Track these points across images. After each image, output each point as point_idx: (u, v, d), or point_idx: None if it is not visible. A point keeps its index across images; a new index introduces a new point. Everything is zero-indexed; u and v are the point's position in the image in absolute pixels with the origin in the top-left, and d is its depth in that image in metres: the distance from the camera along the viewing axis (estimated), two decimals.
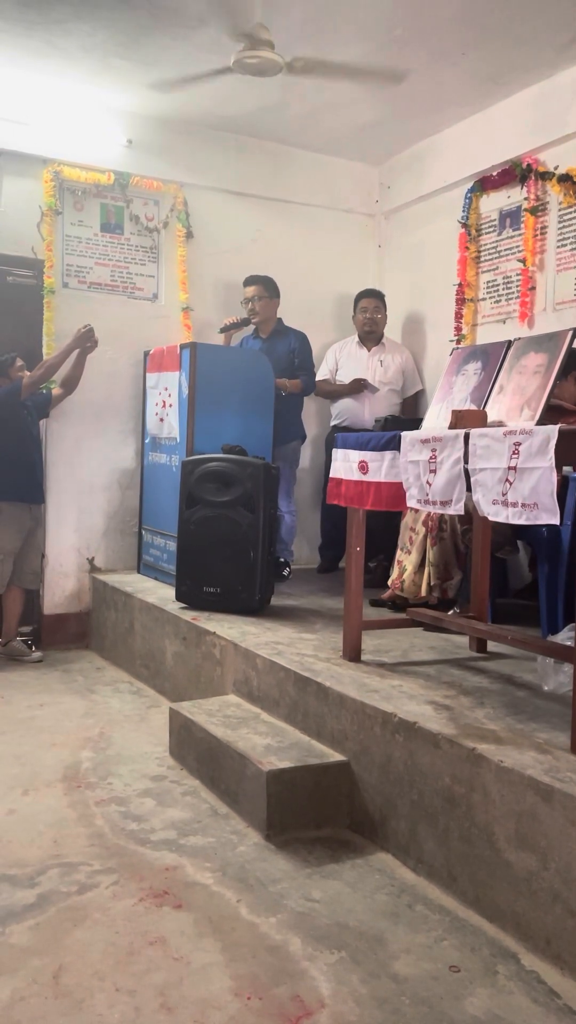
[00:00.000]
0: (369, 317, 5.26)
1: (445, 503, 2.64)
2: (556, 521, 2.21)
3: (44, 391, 4.81)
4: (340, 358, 5.36)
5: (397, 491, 2.88)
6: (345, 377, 5.29)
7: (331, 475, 3.23)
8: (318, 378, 5.36)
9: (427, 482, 2.70)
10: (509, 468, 2.34)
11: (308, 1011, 1.85)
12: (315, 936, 2.13)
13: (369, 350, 5.31)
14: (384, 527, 4.15)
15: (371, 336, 5.31)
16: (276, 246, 5.55)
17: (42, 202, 4.94)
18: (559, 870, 2.01)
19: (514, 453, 2.32)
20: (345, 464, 3.15)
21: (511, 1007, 1.88)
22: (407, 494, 2.82)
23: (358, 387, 5.20)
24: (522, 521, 2.30)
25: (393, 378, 5.28)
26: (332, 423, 5.38)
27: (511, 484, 2.33)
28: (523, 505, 2.29)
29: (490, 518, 2.46)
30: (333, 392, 5.34)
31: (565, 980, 1.97)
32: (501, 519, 2.39)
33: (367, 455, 3.01)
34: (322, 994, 1.91)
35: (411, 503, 2.81)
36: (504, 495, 2.35)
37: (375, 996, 1.91)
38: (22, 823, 2.75)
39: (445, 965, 2.03)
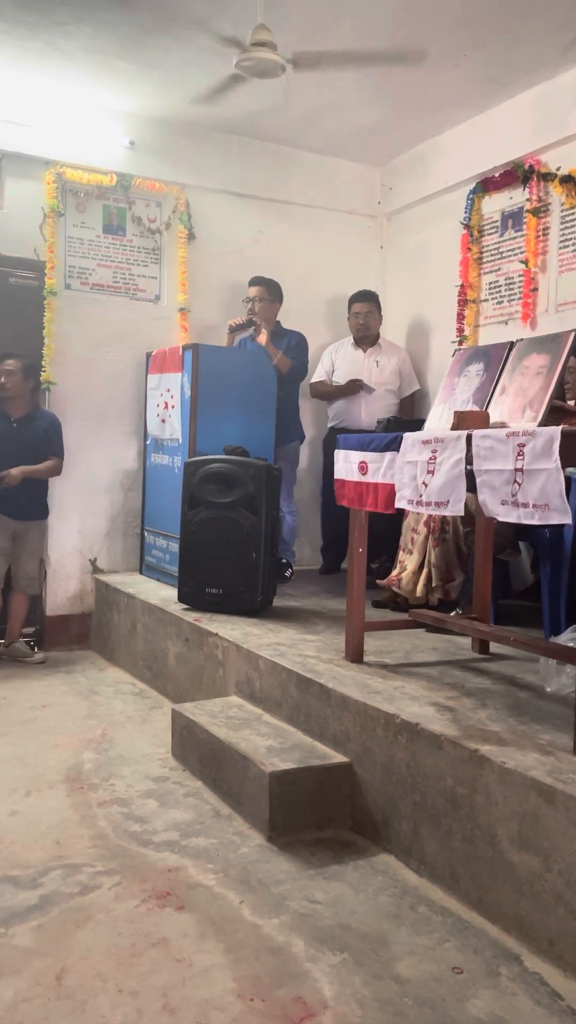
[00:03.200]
0: (362, 322, 5.26)
1: (441, 504, 2.62)
2: (568, 520, 2.21)
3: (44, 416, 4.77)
4: (336, 359, 5.35)
5: (394, 492, 2.88)
6: (341, 378, 5.28)
7: (335, 476, 3.23)
8: (315, 379, 5.36)
9: (423, 483, 2.69)
10: (516, 470, 2.34)
11: (311, 1013, 1.85)
12: (318, 938, 2.13)
13: (365, 351, 5.30)
14: (386, 528, 4.16)
15: (365, 338, 5.31)
16: (278, 247, 5.55)
17: (44, 204, 4.95)
18: (562, 872, 2.01)
19: (519, 455, 2.32)
20: (346, 465, 3.15)
21: (514, 1009, 1.88)
22: (398, 495, 2.80)
23: (354, 388, 5.19)
24: (535, 521, 2.30)
25: (389, 379, 5.26)
26: (329, 424, 5.38)
27: (520, 485, 2.32)
28: (534, 506, 2.29)
29: (499, 518, 2.45)
30: (329, 393, 5.34)
31: (568, 982, 1.97)
32: (512, 519, 2.39)
33: (367, 456, 3.01)
34: (325, 996, 1.91)
35: (401, 503, 2.79)
36: (514, 496, 2.35)
37: (378, 998, 1.90)
38: (25, 824, 2.75)
39: (448, 967, 2.03)
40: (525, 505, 2.31)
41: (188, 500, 4.10)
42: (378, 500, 2.95)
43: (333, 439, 5.22)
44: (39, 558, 4.84)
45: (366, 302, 5.28)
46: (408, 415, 5.29)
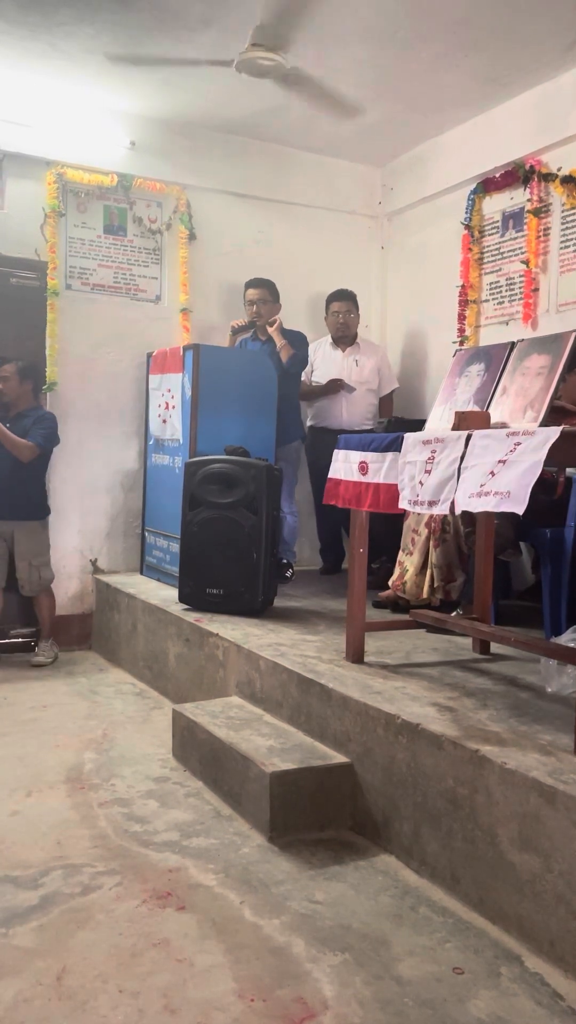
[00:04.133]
0: (342, 321, 5.26)
1: (432, 503, 2.62)
2: (520, 510, 2.20)
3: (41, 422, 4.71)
4: (315, 359, 5.35)
5: (396, 493, 2.87)
6: (321, 378, 5.29)
7: (330, 475, 3.22)
8: None
9: (420, 482, 2.69)
10: (499, 461, 2.33)
11: (311, 1013, 1.85)
12: (318, 938, 2.13)
13: (343, 350, 5.31)
14: (387, 528, 4.15)
15: (345, 338, 5.31)
16: (279, 247, 5.55)
17: (45, 204, 4.95)
18: (563, 872, 2.01)
19: (511, 450, 2.32)
20: (345, 465, 3.14)
21: (515, 1009, 1.88)
22: (400, 495, 2.81)
23: (335, 387, 5.20)
24: (489, 508, 2.30)
25: (369, 377, 5.28)
26: (308, 423, 5.39)
27: (494, 476, 2.32)
28: (495, 493, 2.28)
29: (460, 509, 2.46)
30: (310, 393, 5.34)
31: (569, 982, 1.96)
32: (471, 509, 2.40)
33: (368, 456, 3.00)
34: (325, 996, 1.91)
35: (402, 504, 2.79)
36: (482, 486, 2.35)
37: (378, 998, 1.90)
38: (25, 824, 2.75)
39: (448, 967, 2.03)
40: (487, 494, 2.31)
41: (189, 500, 4.10)
42: (379, 500, 2.94)
43: (313, 438, 5.25)
44: (27, 561, 4.70)
45: (346, 301, 5.27)
46: (387, 414, 5.32)
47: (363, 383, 5.25)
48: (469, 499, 2.41)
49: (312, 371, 5.35)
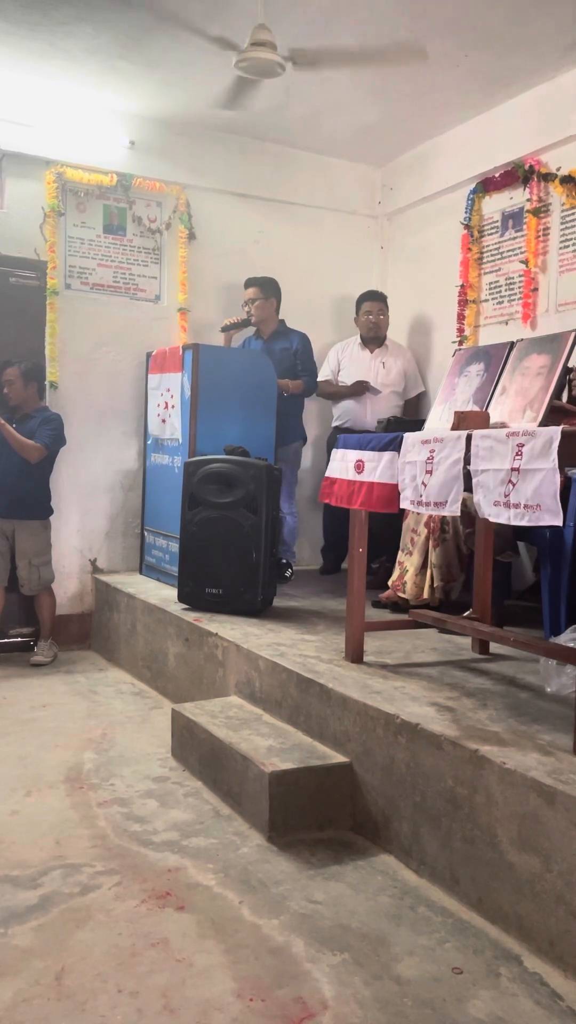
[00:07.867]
0: (374, 321, 5.26)
1: (440, 504, 2.62)
2: (559, 522, 2.21)
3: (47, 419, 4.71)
4: (342, 359, 5.35)
5: (390, 492, 2.86)
6: (347, 378, 5.28)
7: (326, 474, 3.23)
8: (320, 378, 5.35)
9: (422, 483, 2.69)
10: (512, 469, 2.33)
11: (311, 1013, 1.85)
12: (318, 938, 2.13)
13: (372, 352, 5.31)
14: (387, 528, 4.15)
15: (375, 339, 5.31)
16: (278, 247, 5.55)
17: (45, 203, 4.95)
18: (562, 872, 2.01)
19: (517, 455, 2.32)
20: (342, 464, 3.15)
21: (514, 1009, 1.88)
22: (401, 495, 2.80)
23: (360, 389, 5.20)
24: (524, 522, 2.30)
25: (395, 380, 5.27)
26: (333, 424, 5.38)
27: (514, 485, 2.32)
28: (525, 506, 2.28)
29: (491, 519, 2.45)
30: (335, 393, 5.34)
31: (568, 982, 1.96)
32: (502, 520, 2.39)
33: (365, 455, 3.01)
34: (325, 996, 1.91)
35: (404, 504, 2.79)
36: (506, 496, 2.34)
37: (378, 998, 1.90)
38: (25, 824, 2.75)
39: (448, 967, 2.03)
40: (516, 506, 2.31)
41: (188, 500, 4.10)
42: (371, 499, 2.94)
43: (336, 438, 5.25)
44: (27, 560, 4.70)
45: (379, 302, 5.29)
46: (412, 416, 5.29)
47: (389, 386, 5.24)
48: (495, 507, 2.39)
49: (339, 370, 5.35)
